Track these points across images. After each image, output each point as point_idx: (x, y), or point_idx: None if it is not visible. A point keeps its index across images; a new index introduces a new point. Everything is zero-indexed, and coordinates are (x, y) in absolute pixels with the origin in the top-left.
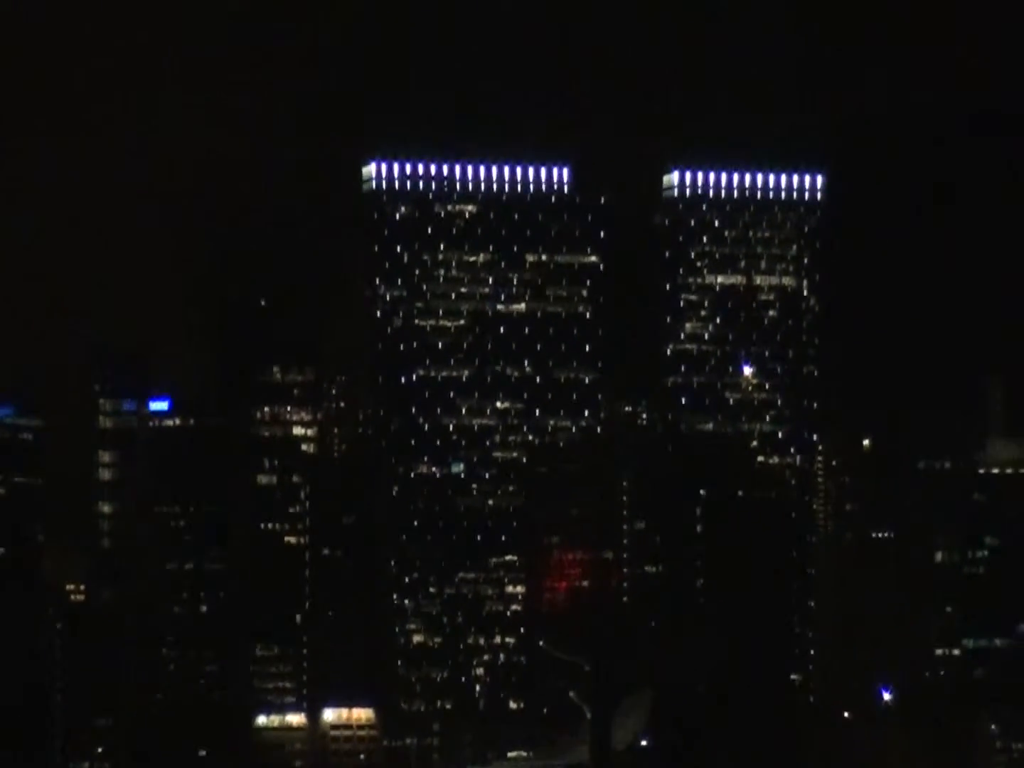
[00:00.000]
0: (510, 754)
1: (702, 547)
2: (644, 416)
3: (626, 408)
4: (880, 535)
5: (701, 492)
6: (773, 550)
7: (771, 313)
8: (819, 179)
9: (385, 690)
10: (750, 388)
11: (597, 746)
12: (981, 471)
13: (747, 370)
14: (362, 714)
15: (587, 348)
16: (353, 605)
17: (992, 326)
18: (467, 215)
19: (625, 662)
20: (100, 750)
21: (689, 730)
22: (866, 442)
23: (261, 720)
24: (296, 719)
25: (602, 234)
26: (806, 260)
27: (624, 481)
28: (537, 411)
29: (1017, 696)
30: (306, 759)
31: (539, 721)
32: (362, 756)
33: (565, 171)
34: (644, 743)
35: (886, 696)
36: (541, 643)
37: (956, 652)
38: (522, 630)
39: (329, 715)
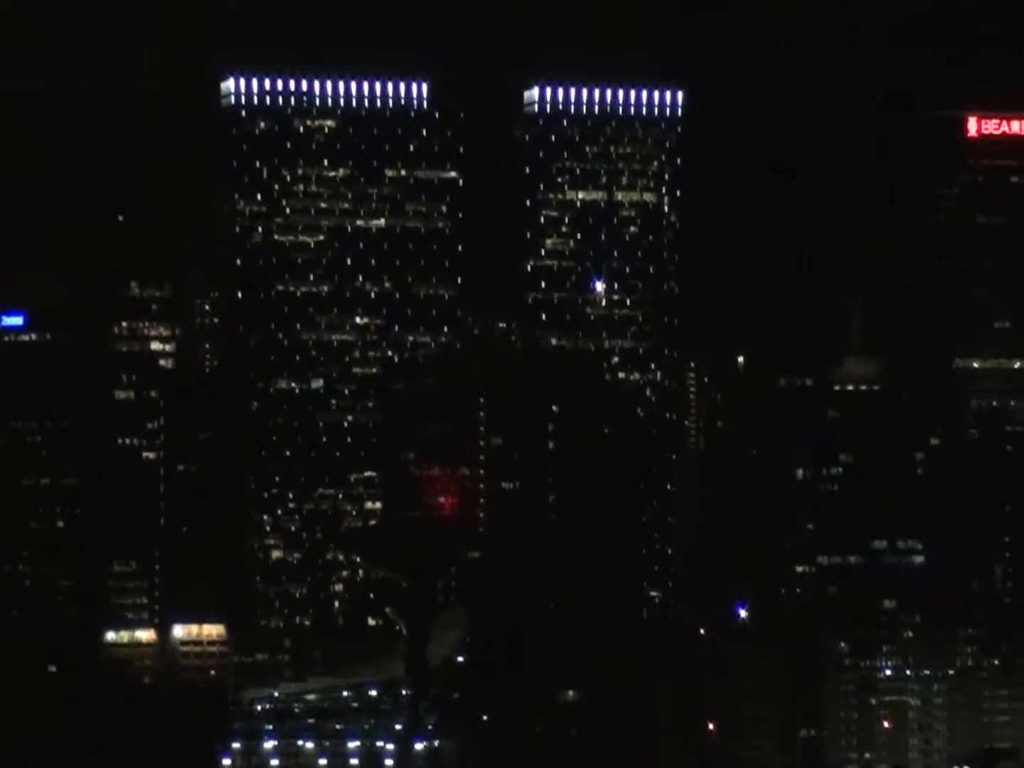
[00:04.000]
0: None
1: (557, 464)
2: (507, 333)
3: (486, 325)
4: (745, 452)
5: (553, 408)
6: (630, 466)
7: (632, 229)
8: (679, 95)
9: (241, 606)
10: (606, 304)
11: (413, 661)
12: (837, 388)
13: (599, 286)
14: (213, 630)
15: (447, 264)
16: (209, 521)
17: (853, 243)
18: (326, 130)
19: (442, 578)
20: None
21: (510, 647)
22: (740, 360)
23: (110, 636)
24: (146, 635)
25: (461, 149)
26: (667, 176)
27: (482, 398)
28: (396, 327)
29: (869, 614)
30: (154, 675)
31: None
32: (212, 672)
33: (424, 86)
34: (460, 659)
35: (742, 613)
36: (357, 558)
37: (813, 569)
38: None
39: (179, 631)
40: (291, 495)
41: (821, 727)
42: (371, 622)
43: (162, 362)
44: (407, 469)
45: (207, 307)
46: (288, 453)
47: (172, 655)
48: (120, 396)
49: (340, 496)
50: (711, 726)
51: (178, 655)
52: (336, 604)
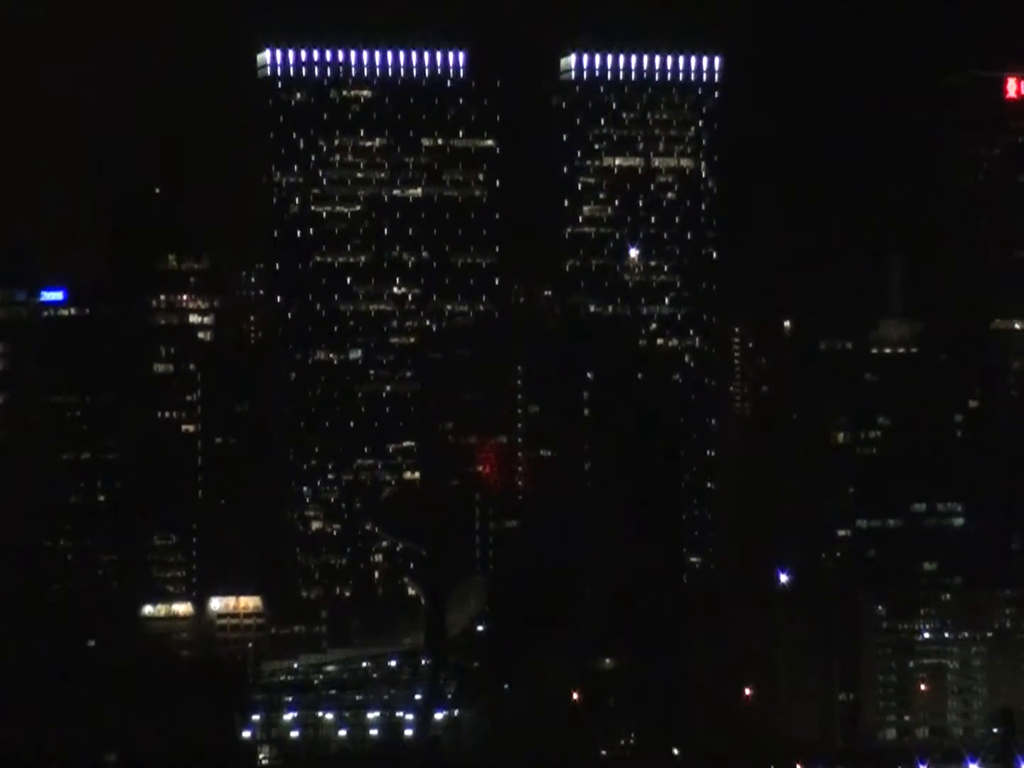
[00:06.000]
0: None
1: (594, 431)
2: (544, 300)
3: (524, 292)
4: (786, 416)
5: (590, 376)
6: (668, 433)
7: (669, 195)
8: (716, 60)
9: (280, 577)
10: (644, 270)
11: (431, 632)
12: (875, 351)
13: (633, 252)
14: (249, 602)
15: (484, 232)
16: (248, 493)
17: (891, 205)
18: (362, 100)
19: (463, 547)
20: None
21: (536, 615)
22: (787, 324)
23: (147, 610)
24: (183, 608)
25: (498, 117)
26: (704, 141)
27: (519, 366)
28: (434, 296)
29: (908, 577)
30: (192, 648)
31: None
32: (249, 644)
33: (460, 55)
34: (480, 628)
35: (783, 578)
36: (375, 529)
37: (852, 533)
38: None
39: (216, 604)
40: (330, 466)
41: (859, 690)
42: (411, 592)
43: (200, 335)
44: (445, 438)
45: (247, 279)
46: (327, 424)
47: (209, 628)
48: (159, 369)
49: (379, 466)
50: (748, 691)
51: (215, 628)
52: (376, 574)
